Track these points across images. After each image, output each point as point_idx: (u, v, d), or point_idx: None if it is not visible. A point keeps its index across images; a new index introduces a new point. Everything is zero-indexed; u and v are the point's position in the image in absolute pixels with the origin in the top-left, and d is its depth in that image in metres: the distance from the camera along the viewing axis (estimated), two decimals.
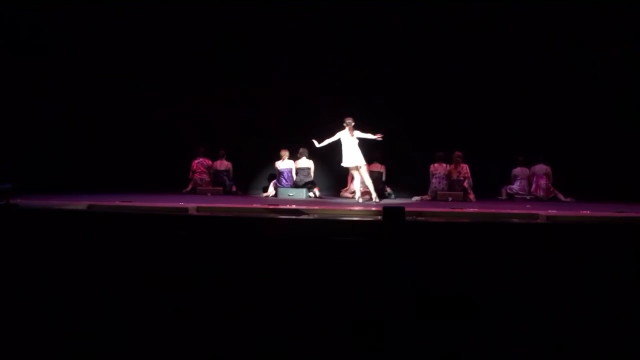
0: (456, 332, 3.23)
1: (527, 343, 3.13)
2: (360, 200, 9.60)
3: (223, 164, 11.50)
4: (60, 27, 11.46)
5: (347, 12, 11.34)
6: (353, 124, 9.41)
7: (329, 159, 11.49)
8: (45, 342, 3.01)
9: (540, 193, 10.69)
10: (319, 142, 9.73)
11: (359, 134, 9.43)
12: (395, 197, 10.95)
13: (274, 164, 11.17)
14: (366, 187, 9.79)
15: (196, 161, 11.43)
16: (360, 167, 9.50)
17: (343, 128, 9.48)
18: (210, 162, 11.50)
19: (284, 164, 11.01)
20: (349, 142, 9.43)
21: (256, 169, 11.95)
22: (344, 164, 9.61)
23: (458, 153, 10.58)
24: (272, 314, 3.46)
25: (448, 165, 10.64)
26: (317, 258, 4.67)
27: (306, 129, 11.28)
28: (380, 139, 9.38)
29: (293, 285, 4.02)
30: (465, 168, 10.49)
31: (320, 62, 11.49)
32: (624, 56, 10.92)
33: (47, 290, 3.88)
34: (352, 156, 9.45)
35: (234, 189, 11.44)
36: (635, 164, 10.50)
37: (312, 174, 10.99)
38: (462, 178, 10.44)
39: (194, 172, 11.39)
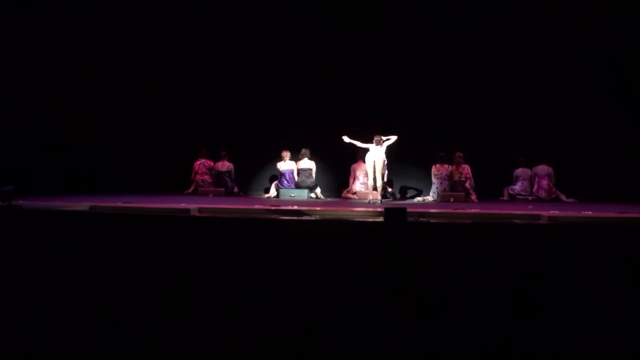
0: (457, 334, 3.23)
1: (528, 343, 3.12)
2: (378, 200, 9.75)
3: (225, 165, 11.51)
4: (62, 26, 11.47)
5: (350, 13, 11.33)
6: (381, 140, 9.89)
7: (331, 160, 11.51)
8: (47, 342, 3.01)
9: (542, 194, 10.68)
10: (349, 138, 10.10)
11: (386, 143, 9.91)
12: (397, 198, 10.99)
13: (275, 165, 11.18)
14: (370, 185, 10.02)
15: (198, 162, 11.43)
16: (383, 160, 9.84)
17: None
18: (212, 163, 11.50)
19: (286, 164, 11.01)
20: (377, 151, 9.84)
21: (258, 170, 11.96)
22: (377, 156, 9.81)
23: (459, 154, 10.58)
24: (273, 315, 3.46)
25: (450, 166, 10.63)
26: (319, 259, 4.66)
27: (308, 130, 11.32)
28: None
29: (295, 286, 4.01)
30: (466, 169, 10.49)
31: (322, 62, 11.49)
32: (626, 56, 10.91)
33: (50, 291, 3.88)
34: (379, 153, 9.82)
35: (235, 189, 11.45)
36: (637, 164, 10.50)
37: (314, 174, 11.00)
38: (463, 179, 10.44)
39: (196, 173, 11.40)
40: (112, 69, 11.72)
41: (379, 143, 9.84)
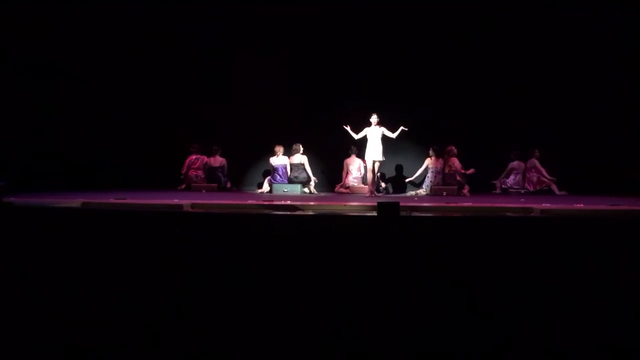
0: (454, 327, 3.24)
1: (522, 337, 3.14)
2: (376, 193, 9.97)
3: (217, 160, 11.49)
4: (58, 21, 11.38)
5: (344, 9, 11.29)
6: (378, 120, 9.75)
7: (324, 154, 11.52)
8: (39, 339, 3.00)
9: (531, 187, 10.76)
10: (352, 131, 9.98)
11: (384, 130, 9.78)
12: (390, 192, 11.02)
13: (268, 160, 11.17)
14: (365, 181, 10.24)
15: (192, 157, 11.42)
16: (379, 162, 9.84)
17: (369, 125, 9.82)
18: (205, 159, 11.49)
19: (279, 159, 11.01)
20: (375, 138, 9.73)
21: (251, 165, 11.94)
22: (369, 158, 9.80)
23: (450, 147, 10.62)
24: (268, 311, 3.46)
25: (442, 160, 10.69)
26: (312, 253, 4.67)
27: (300, 125, 11.32)
28: (405, 130, 9.83)
29: (288, 281, 4.02)
30: (455, 162, 10.53)
31: (316, 58, 11.47)
32: (618, 49, 10.95)
33: (41, 288, 3.87)
34: (376, 151, 9.73)
35: (228, 185, 11.43)
36: (629, 157, 10.56)
37: (307, 169, 10.99)
38: (453, 172, 10.49)
39: (190, 168, 11.38)
40: (105, 65, 11.66)
41: (375, 123, 9.74)
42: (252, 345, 3.03)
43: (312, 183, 10.90)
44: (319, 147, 11.38)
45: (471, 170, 10.33)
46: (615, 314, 3.48)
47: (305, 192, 10.75)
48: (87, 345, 3.00)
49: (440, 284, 3.96)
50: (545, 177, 10.72)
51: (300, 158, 11.00)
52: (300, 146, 10.99)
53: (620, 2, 10.82)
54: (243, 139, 11.61)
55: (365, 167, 10.46)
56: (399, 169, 11.52)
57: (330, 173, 11.56)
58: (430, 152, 10.76)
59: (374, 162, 9.77)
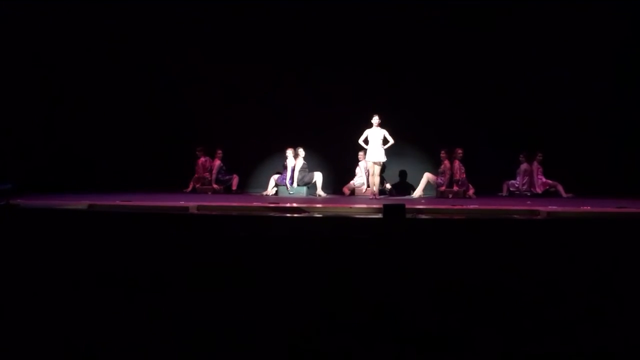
0: (462, 326, 3.23)
1: (528, 339, 3.12)
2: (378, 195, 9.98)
3: (215, 163, 11.51)
4: (60, 22, 11.42)
5: (348, 10, 11.29)
6: (379, 121, 9.76)
7: (331, 157, 11.50)
8: (44, 342, 3.01)
9: (534, 189, 10.74)
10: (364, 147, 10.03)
11: (385, 133, 9.79)
12: (394, 194, 10.97)
13: (274, 162, 11.17)
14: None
15: (201, 160, 11.44)
16: (379, 163, 9.84)
17: (370, 126, 9.80)
18: (211, 161, 11.53)
19: (289, 161, 11.03)
20: (376, 139, 9.75)
21: (257, 167, 11.93)
22: (370, 159, 9.86)
23: (455, 150, 10.58)
24: (273, 312, 3.46)
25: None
26: (318, 256, 4.66)
27: (304, 127, 11.33)
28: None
29: (293, 283, 4.02)
30: (456, 164, 10.50)
31: (319, 59, 11.47)
32: (622, 50, 10.91)
33: (48, 290, 3.88)
34: (376, 152, 9.76)
35: (235, 180, 11.40)
36: (635, 159, 10.50)
37: (306, 171, 10.96)
38: (457, 175, 10.48)
39: (201, 170, 11.40)
40: (110, 67, 11.69)
41: (376, 124, 9.74)
42: (255, 345, 3.02)
43: (319, 183, 10.82)
44: (322, 149, 11.39)
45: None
46: (620, 316, 3.46)
47: (311, 195, 10.76)
48: (90, 345, 3.00)
49: (446, 286, 3.95)
50: (539, 181, 10.73)
51: (301, 161, 11.00)
52: (301, 150, 10.99)
53: (622, 2, 10.77)
54: (247, 142, 11.60)
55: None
56: (402, 172, 11.49)
57: (334, 174, 11.53)
58: (442, 155, 10.70)
59: (374, 163, 9.78)
